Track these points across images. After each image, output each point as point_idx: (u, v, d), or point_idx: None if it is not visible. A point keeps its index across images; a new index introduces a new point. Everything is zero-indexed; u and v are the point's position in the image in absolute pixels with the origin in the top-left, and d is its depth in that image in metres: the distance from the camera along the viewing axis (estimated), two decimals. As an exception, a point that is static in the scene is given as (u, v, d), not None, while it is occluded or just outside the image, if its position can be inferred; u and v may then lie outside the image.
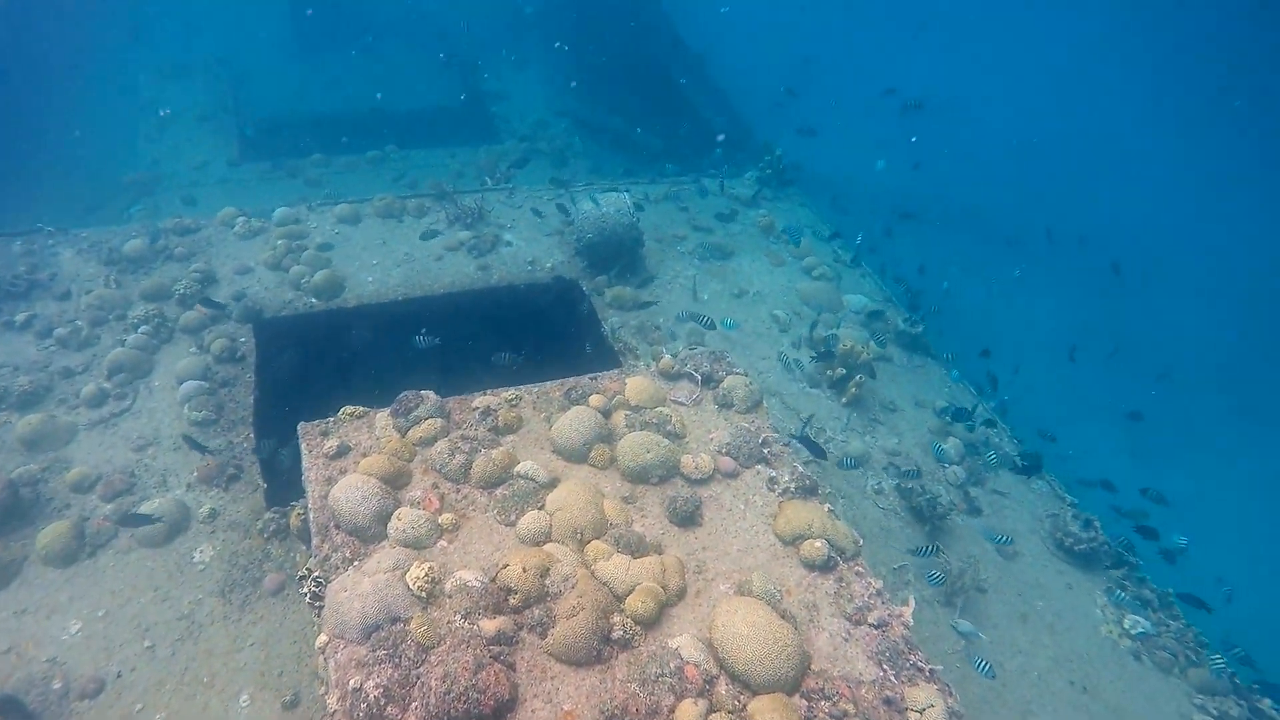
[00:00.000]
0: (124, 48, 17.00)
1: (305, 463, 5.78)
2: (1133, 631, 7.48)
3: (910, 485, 8.41)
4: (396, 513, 5.34)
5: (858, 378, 9.33)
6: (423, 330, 7.40)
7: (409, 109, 17.84)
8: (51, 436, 7.25)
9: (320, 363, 8.71)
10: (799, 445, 7.10)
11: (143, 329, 8.30)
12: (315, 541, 5.26)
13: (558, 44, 19.96)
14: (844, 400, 9.41)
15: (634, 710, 4.34)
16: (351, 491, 5.28)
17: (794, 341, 10.13)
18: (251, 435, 7.74)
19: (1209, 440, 19.02)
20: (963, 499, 8.71)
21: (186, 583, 6.49)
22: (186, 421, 7.66)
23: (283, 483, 7.36)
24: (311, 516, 5.38)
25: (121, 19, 16.84)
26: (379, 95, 17.53)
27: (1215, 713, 7.03)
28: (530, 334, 9.65)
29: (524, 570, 4.96)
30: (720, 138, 13.60)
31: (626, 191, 10.71)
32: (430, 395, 6.13)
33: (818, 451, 7.18)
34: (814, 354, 9.66)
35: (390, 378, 8.90)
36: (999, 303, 19.97)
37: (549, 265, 10.47)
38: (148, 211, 12.65)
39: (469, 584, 4.87)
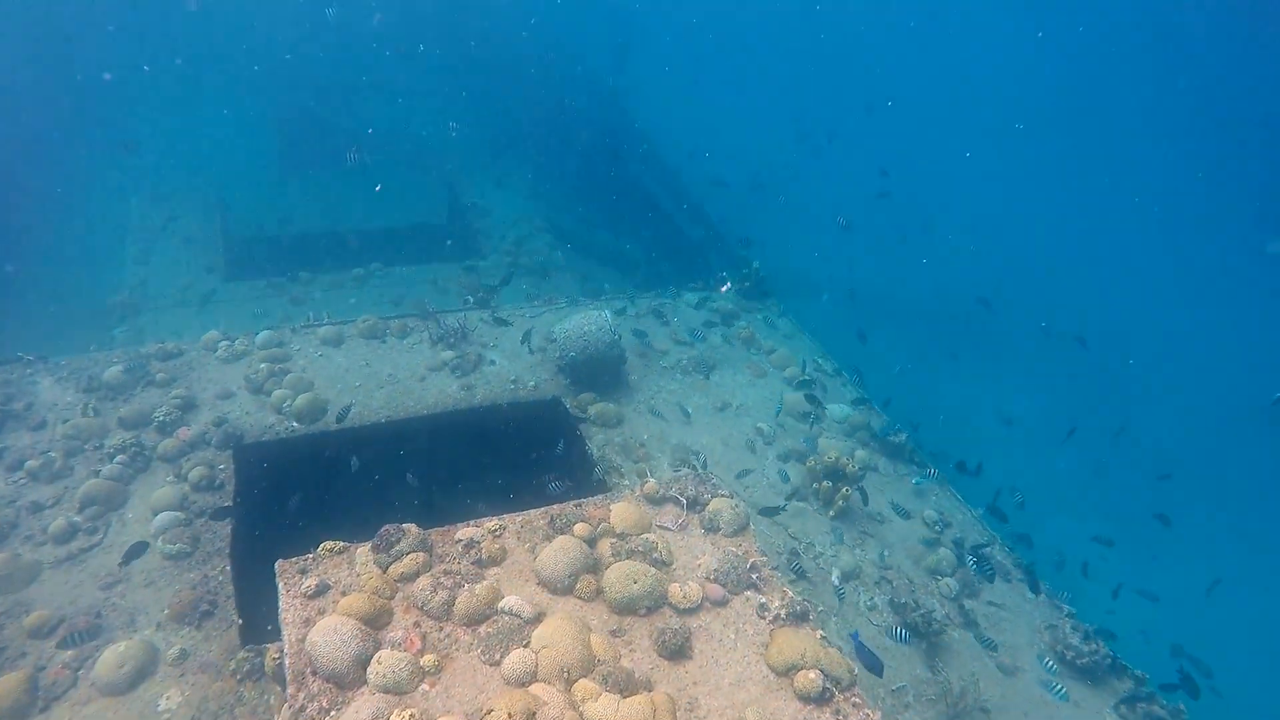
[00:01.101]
0: (116, 166, 17.48)
1: (282, 603, 5.58)
2: (1141, 748, 7.21)
3: (904, 600, 8.24)
4: (376, 655, 5.13)
5: (844, 489, 9.29)
6: (410, 473, 7.37)
7: (393, 226, 18.33)
8: (12, 577, 6.97)
9: (301, 488, 8.54)
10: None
11: (119, 458, 8.15)
12: (290, 689, 5.01)
13: (535, 160, 20.82)
14: (831, 513, 9.34)
15: None
16: (329, 635, 5.08)
17: (780, 454, 10.14)
18: (228, 567, 7.49)
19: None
20: (957, 612, 8.53)
21: (149, 735, 6.12)
22: (160, 555, 7.42)
23: (260, 618, 7.08)
24: (287, 662, 5.15)
25: (113, 139, 17.39)
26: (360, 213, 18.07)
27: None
28: (513, 453, 9.60)
29: (509, 716, 4.74)
30: (726, 284, 13.91)
31: (608, 309, 10.93)
32: (412, 529, 6.02)
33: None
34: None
35: (374, 501, 8.79)
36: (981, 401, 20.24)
37: (532, 384, 10.53)
38: (132, 334, 12.69)
39: (451, 734, 4.64)
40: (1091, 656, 7.94)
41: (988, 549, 9.36)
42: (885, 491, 10.12)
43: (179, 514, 7.76)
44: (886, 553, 9.04)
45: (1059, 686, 7.70)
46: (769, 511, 8.85)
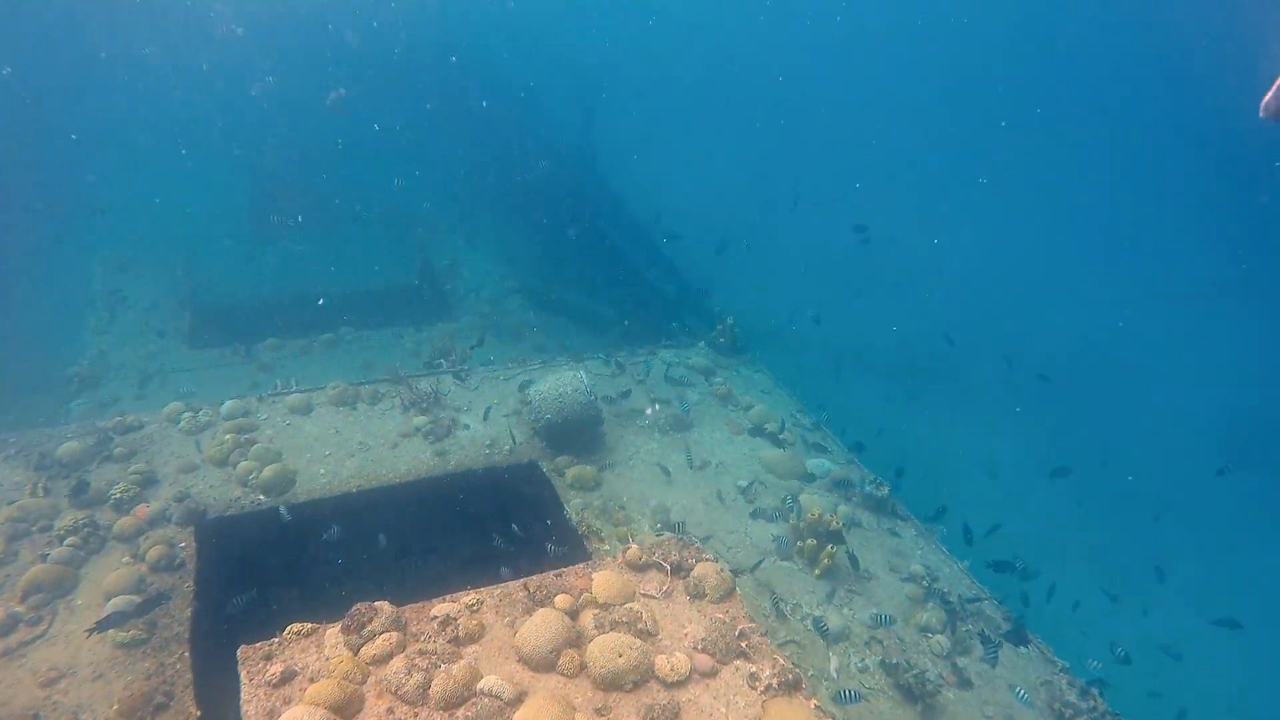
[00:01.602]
0: (79, 231, 17.17)
1: (244, 693, 5.22)
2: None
3: (895, 661, 8.00)
4: (345, 750, 4.79)
5: (830, 548, 9.11)
6: (380, 535, 7.07)
7: (363, 290, 18.16)
8: (-52, 676, 6.48)
9: (269, 564, 8.16)
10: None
11: (69, 540, 7.73)
12: (251, 792, 4.64)
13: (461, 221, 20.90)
14: (817, 573, 9.13)
15: None
16: (295, 729, 4.74)
17: (760, 511, 9.95)
18: (187, 654, 7.05)
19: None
20: (950, 671, 8.30)
21: None
22: (111, 644, 6.96)
23: (221, 709, 6.62)
24: (248, 761, 4.79)
25: (79, 205, 17.14)
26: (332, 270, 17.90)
27: None
28: (490, 519, 9.31)
29: (490, 812, 4.42)
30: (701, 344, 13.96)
31: (583, 370, 10.81)
32: (385, 607, 5.71)
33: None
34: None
35: (345, 574, 8.42)
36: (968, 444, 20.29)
37: (507, 447, 10.30)
38: (90, 407, 12.24)
39: (427, 834, 4.30)
40: (1090, 713, 7.73)
41: (977, 603, 9.19)
42: (870, 547, 9.94)
43: (134, 598, 7.32)
44: (876, 611, 8.81)
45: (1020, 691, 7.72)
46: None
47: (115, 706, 6.50)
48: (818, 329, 19.89)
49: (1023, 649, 8.93)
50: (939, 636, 8.59)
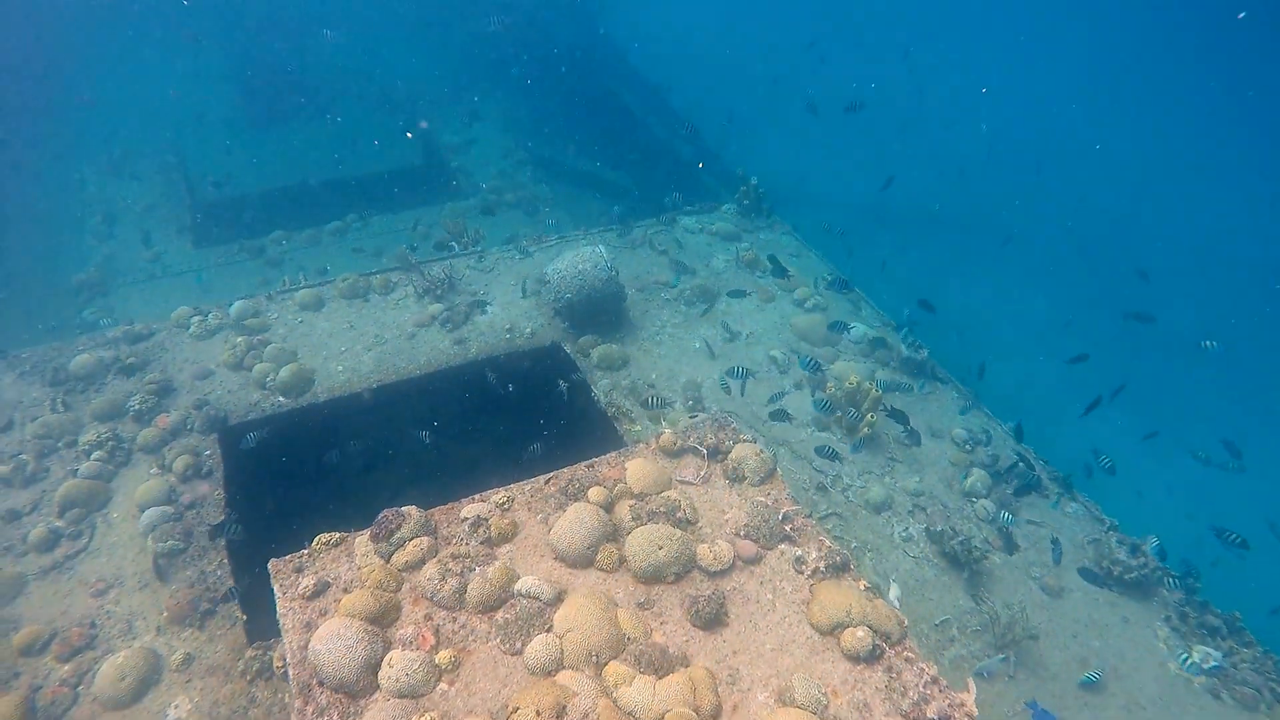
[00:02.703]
0: (68, 133, 16.42)
1: (280, 607, 5.13)
2: (1205, 666, 6.89)
3: (940, 529, 7.83)
4: (387, 658, 4.69)
5: (869, 416, 8.78)
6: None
7: (366, 173, 17.30)
8: (-3, 593, 6.54)
9: (295, 468, 8.04)
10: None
11: (96, 455, 7.63)
12: (298, 703, 4.59)
13: (476, 98, 19.55)
14: (856, 441, 8.85)
15: None
16: (333, 641, 4.63)
17: (795, 382, 9.58)
18: (226, 560, 7.06)
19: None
20: (997, 535, 8.14)
21: (162, 747, 5.78)
22: (151, 555, 6.97)
23: (265, 612, 6.67)
24: (291, 673, 4.72)
25: (69, 107, 16.29)
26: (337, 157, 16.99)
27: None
28: (517, 407, 9.03)
29: (537, 714, 4.33)
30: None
31: (601, 244, 10.19)
32: (413, 512, 5.51)
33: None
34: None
35: (373, 472, 8.29)
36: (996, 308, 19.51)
37: (528, 330, 9.90)
38: (102, 313, 11.97)
39: (476, 738, 4.23)
40: (1140, 570, 7.57)
41: (1021, 465, 8.92)
42: (910, 412, 9.59)
43: (167, 508, 7.28)
44: (918, 479, 8.59)
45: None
46: (779, 416, 8.46)
47: (164, 614, 6.57)
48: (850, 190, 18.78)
49: (1070, 506, 8.72)
50: (984, 501, 8.37)
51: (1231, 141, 30.43)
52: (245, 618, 6.60)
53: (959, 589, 7.49)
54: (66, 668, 6.14)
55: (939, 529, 7.85)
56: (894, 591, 5.61)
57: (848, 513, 8.12)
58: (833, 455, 8.10)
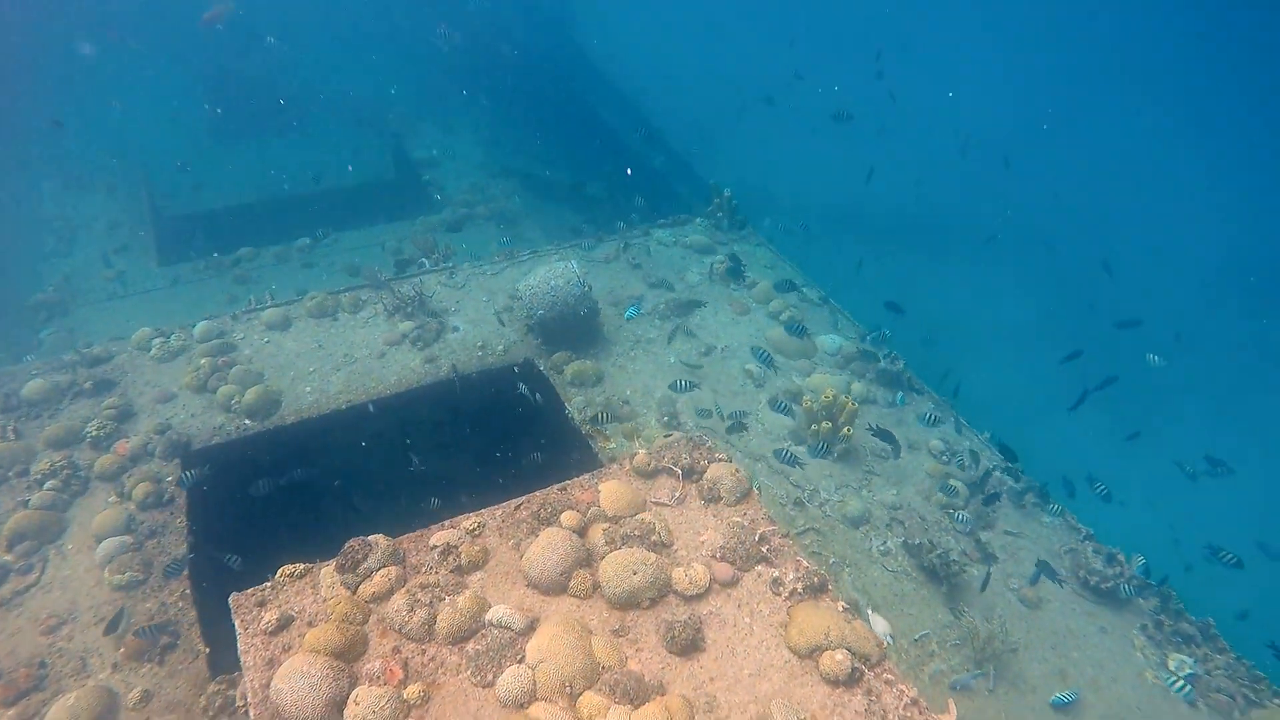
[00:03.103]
0: (24, 152, 16.01)
1: (241, 643, 4.94)
2: (1181, 673, 6.90)
3: (918, 542, 7.79)
4: (353, 694, 4.52)
5: (846, 429, 8.74)
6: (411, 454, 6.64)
7: (336, 188, 17.06)
8: (-56, 633, 6.25)
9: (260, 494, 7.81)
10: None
11: (49, 484, 7.35)
12: (258, 747, 4.41)
13: (464, 92, 19.50)
14: (834, 455, 8.80)
15: None
16: (297, 680, 4.45)
17: (771, 399, 9.52)
18: (189, 591, 6.82)
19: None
20: (974, 547, 8.12)
21: (118, 791, 5.54)
22: (109, 587, 6.72)
23: (230, 642, 6.45)
24: (252, 714, 4.53)
25: (29, 118, 15.88)
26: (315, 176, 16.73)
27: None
28: (490, 427, 8.89)
29: (509, 751, 4.19)
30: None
31: (574, 259, 10.09)
32: (380, 540, 5.34)
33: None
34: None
35: (342, 495, 8.10)
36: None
37: (500, 348, 9.76)
38: (61, 336, 11.63)
39: (446, 778, 4.08)
40: (1115, 579, 7.58)
41: (996, 473, 8.93)
42: (886, 424, 9.57)
43: (126, 538, 7.02)
44: (895, 492, 8.56)
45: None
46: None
47: (122, 650, 6.32)
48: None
49: (1046, 517, 8.72)
50: (962, 512, 8.35)
51: (1209, 136, 30.97)
52: (207, 649, 6.38)
53: (938, 603, 7.45)
54: (11, 712, 5.86)
55: (917, 542, 7.81)
56: (881, 627, 5.52)
57: (825, 527, 8.06)
58: (792, 461, 8.06)
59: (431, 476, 7.74)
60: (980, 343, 17.96)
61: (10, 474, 7.56)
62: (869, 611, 5.86)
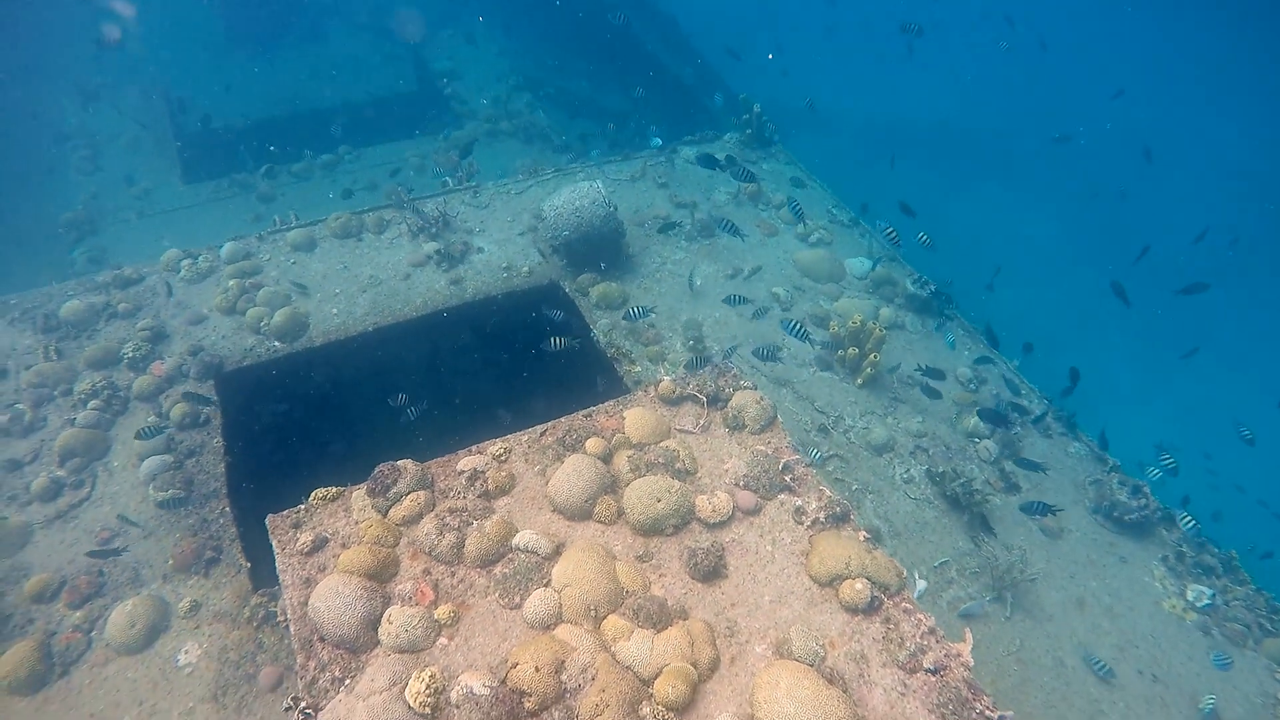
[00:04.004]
0: (41, 69, 15.81)
1: (279, 563, 5.15)
2: (1197, 604, 6.96)
3: (942, 470, 7.81)
4: (387, 614, 4.72)
5: (872, 355, 8.65)
6: (400, 396, 6.65)
7: (357, 100, 16.67)
8: (4, 542, 6.60)
9: (293, 413, 8.01)
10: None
11: (92, 403, 7.58)
12: (300, 659, 4.64)
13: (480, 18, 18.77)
14: (859, 382, 8.75)
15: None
16: (333, 599, 4.65)
17: (795, 322, 9.40)
18: (228, 508, 7.09)
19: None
20: (998, 476, 8.12)
21: (174, 691, 5.92)
22: (152, 503, 7.00)
23: (269, 558, 6.74)
24: (292, 629, 4.76)
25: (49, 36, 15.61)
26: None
27: (1298, 685, 6.57)
28: (515, 350, 8.92)
29: (536, 669, 4.37)
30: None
31: (599, 179, 9.86)
32: (409, 466, 5.46)
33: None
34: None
35: (371, 416, 8.25)
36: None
37: (525, 269, 9.69)
38: (93, 253, 11.77)
39: (475, 692, 4.28)
40: (1140, 511, 7.57)
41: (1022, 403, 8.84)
42: (914, 350, 9.47)
43: (167, 457, 7.27)
44: (920, 419, 8.52)
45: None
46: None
47: (170, 562, 6.64)
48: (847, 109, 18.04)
49: (1072, 445, 8.66)
50: (986, 441, 8.33)
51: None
52: (249, 565, 6.67)
53: (959, 531, 7.52)
54: (78, 614, 6.24)
55: (940, 470, 7.83)
56: (921, 586, 5.57)
57: (849, 454, 8.09)
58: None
59: (460, 396, 7.84)
60: (1020, 263, 17.45)
61: (55, 393, 7.80)
62: (915, 576, 5.91)
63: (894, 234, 9.57)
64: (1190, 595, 7.00)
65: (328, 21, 18.94)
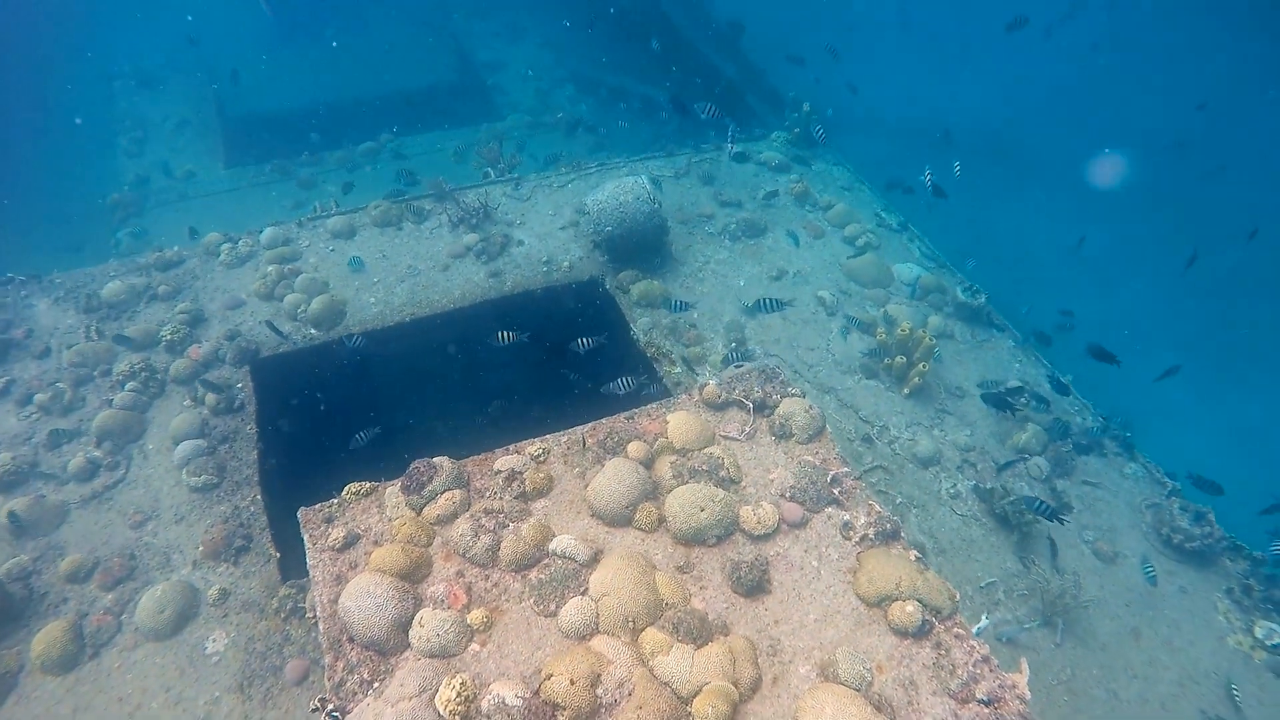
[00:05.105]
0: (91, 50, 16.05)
1: (310, 558, 5.03)
2: (1268, 642, 6.57)
3: (990, 486, 7.49)
4: (418, 617, 4.57)
5: (920, 364, 8.34)
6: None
7: (400, 89, 16.65)
8: (41, 521, 6.59)
9: (327, 402, 7.93)
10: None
11: (130, 385, 7.56)
12: (328, 659, 4.52)
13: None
14: (906, 391, 8.45)
15: None
16: (363, 599, 4.51)
17: (842, 328, 9.13)
18: (259, 496, 7.02)
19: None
20: (1050, 495, 7.77)
21: (201, 679, 5.85)
22: (186, 489, 6.96)
23: (299, 548, 6.66)
24: (321, 627, 4.64)
25: (84, 27, 15.86)
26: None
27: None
28: (555, 345, 8.75)
29: (571, 682, 4.19)
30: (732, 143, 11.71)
31: (644, 175, 9.65)
32: (445, 463, 5.31)
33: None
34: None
35: (405, 408, 8.15)
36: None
37: (566, 264, 9.51)
38: (137, 235, 11.85)
39: (508, 703, 4.11)
40: (1204, 540, 7.17)
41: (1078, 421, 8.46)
42: (964, 361, 9.13)
43: (201, 442, 7.22)
44: (969, 432, 8.20)
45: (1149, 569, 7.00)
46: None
47: (200, 548, 6.59)
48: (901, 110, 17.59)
49: (1129, 466, 8.27)
50: (1037, 459, 7.98)
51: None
52: (279, 555, 6.59)
53: (1007, 551, 7.20)
54: (110, 596, 6.21)
55: (989, 486, 7.51)
56: (984, 623, 5.29)
57: (894, 466, 7.80)
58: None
59: (497, 392, 7.70)
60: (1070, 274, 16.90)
61: (95, 373, 7.80)
62: (983, 616, 5.64)
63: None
64: (1259, 632, 6.61)
65: (372, 10, 18.98)
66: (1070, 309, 10.74)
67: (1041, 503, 6.31)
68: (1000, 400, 7.72)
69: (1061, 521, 6.51)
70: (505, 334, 6.93)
